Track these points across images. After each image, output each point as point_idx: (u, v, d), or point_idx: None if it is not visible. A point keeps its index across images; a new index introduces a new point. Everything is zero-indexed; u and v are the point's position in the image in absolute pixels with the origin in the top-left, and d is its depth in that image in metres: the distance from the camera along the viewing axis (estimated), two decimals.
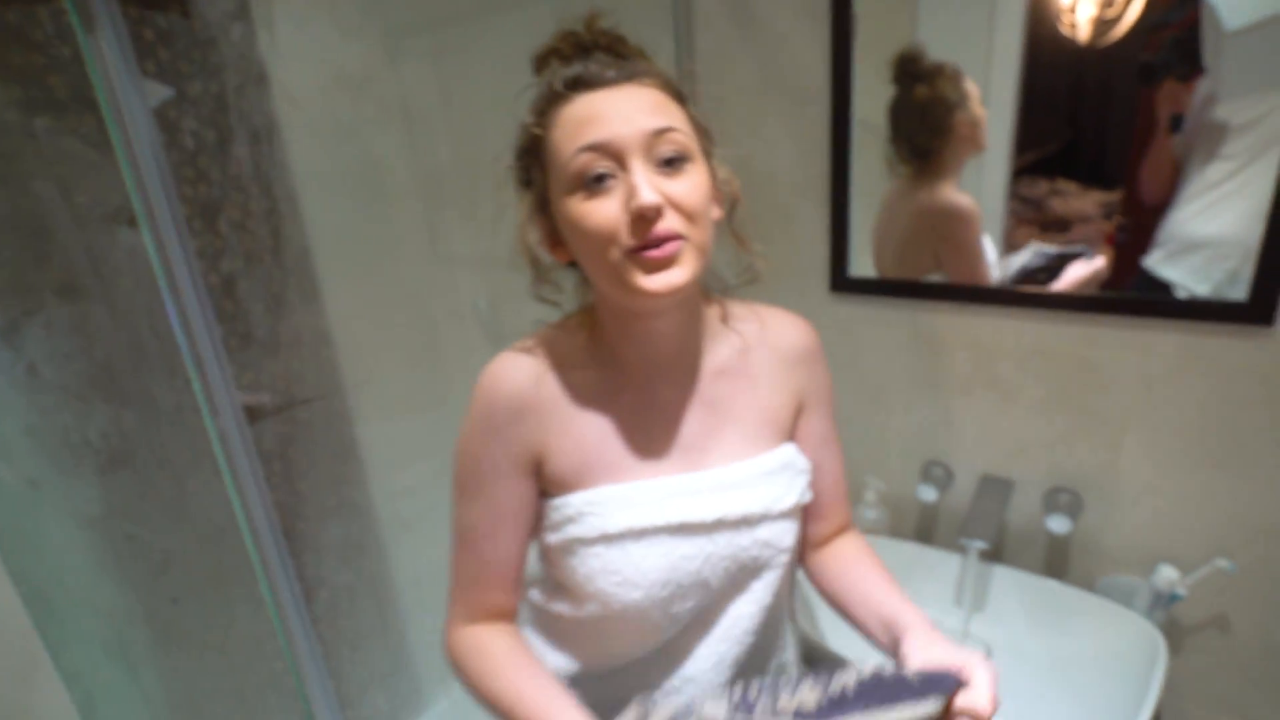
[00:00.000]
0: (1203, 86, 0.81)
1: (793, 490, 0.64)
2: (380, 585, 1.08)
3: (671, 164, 0.53)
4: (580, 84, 0.54)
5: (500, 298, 1.38)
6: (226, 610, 0.87)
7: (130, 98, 0.66)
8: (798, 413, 0.68)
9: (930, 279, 1.03)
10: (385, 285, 1.21)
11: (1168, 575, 0.89)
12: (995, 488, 1.02)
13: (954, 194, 0.97)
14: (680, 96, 0.57)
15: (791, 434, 0.68)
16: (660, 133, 0.53)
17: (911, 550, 1.09)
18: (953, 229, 0.99)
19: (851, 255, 1.09)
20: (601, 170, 0.52)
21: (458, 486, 0.62)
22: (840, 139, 1.03)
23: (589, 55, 0.56)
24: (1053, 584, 0.98)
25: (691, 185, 0.53)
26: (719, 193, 0.59)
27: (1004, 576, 1.01)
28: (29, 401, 0.75)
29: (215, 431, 0.76)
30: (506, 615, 0.64)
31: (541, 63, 0.58)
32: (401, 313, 1.25)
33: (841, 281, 1.11)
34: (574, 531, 0.59)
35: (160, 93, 0.80)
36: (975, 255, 0.98)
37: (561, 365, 0.61)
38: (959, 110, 0.94)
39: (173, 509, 0.80)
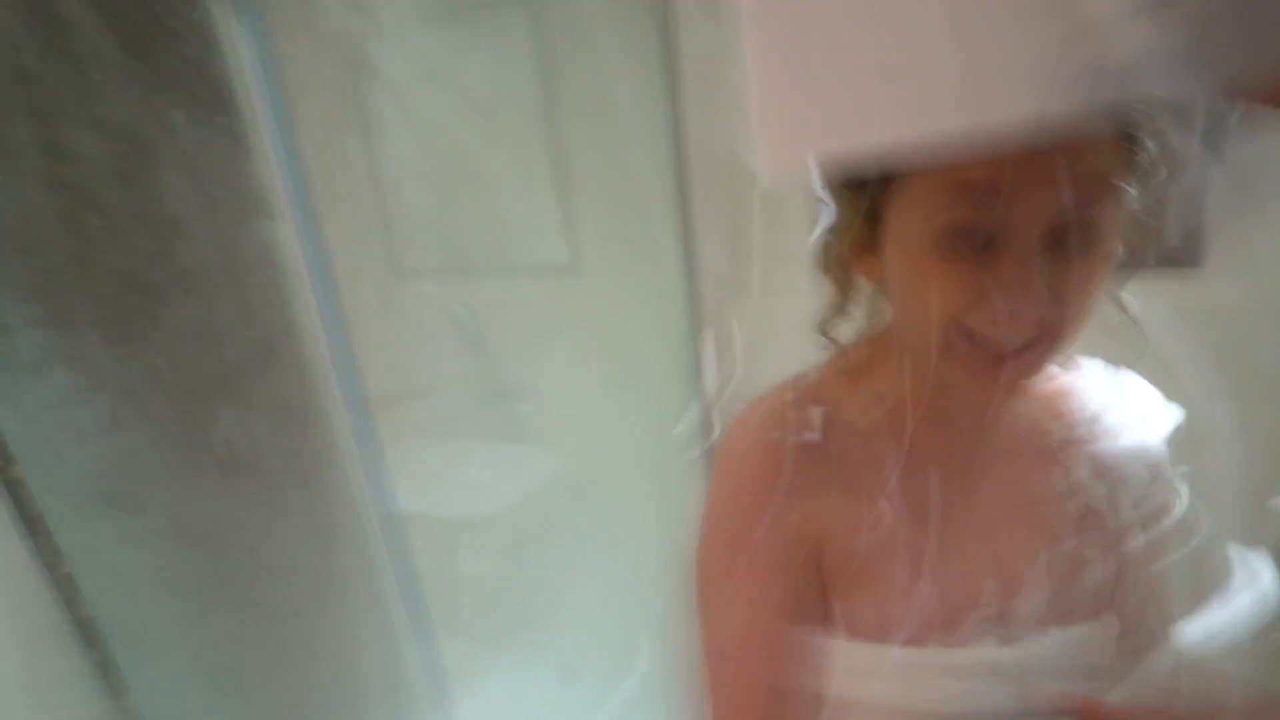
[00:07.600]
0: None
1: None
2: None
3: (1073, 240, 0.37)
4: None
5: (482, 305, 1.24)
6: (346, 622, 0.83)
7: (267, 89, 0.65)
8: None
9: None
10: None
11: None
12: None
13: None
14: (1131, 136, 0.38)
15: None
16: (1080, 201, 0.36)
17: None
18: None
19: None
20: (975, 229, 0.37)
21: (710, 589, 0.48)
22: None
23: None
24: None
25: (1093, 270, 0.38)
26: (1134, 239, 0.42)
27: None
28: (145, 410, 0.72)
29: (347, 430, 0.74)
30: None
31: None
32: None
33: None
34: (884, 693, 0.44)
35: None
36: None
37: (852, 427, 0.46)
38: None
39: (296, 517, 0.77)
